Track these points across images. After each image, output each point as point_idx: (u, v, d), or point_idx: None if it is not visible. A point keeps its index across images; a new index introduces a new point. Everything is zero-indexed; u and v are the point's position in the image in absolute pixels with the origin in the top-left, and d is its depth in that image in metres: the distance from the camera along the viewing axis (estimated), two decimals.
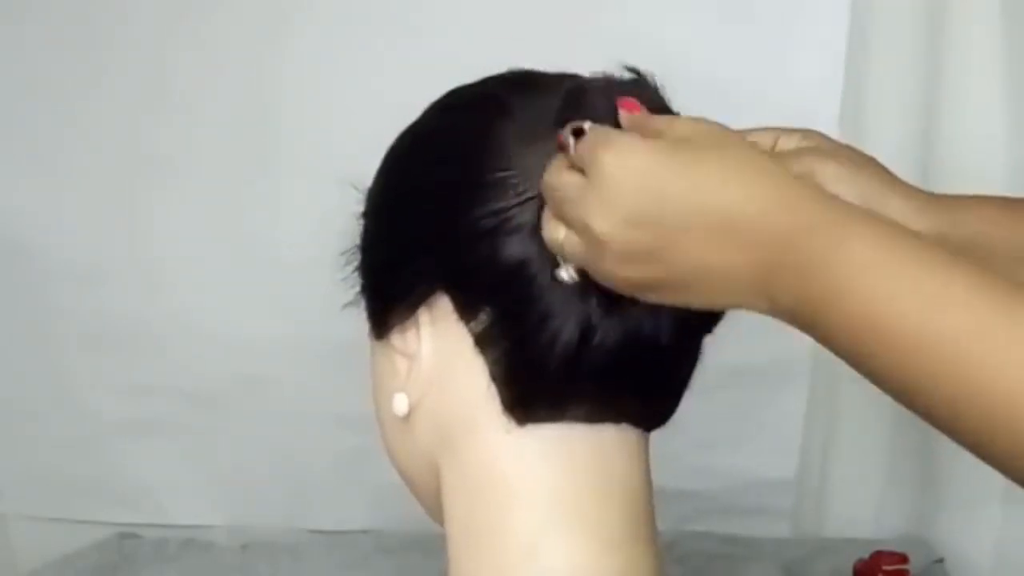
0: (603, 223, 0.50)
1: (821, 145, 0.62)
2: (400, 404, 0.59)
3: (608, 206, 0.49)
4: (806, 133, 0.63)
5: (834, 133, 0.68)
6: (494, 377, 0.56)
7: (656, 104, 0.56)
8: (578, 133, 0.52)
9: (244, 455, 1.34)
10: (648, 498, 0.59)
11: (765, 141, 0.62)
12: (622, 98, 0.53)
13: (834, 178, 0.59)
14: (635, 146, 0.50)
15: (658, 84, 0.57)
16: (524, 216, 0.54)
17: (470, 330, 0.56)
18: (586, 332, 0.54)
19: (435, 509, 0.61)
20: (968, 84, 1.15)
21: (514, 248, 0.54)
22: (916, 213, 0.61)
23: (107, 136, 1.27)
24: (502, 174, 0.55)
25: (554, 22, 1.14)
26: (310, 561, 1.28)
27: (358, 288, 0.62)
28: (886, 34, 1.16)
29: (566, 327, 0.54)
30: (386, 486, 1.31)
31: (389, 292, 0.60)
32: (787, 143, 0.62)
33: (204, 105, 1.25)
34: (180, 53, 1.24)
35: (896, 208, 0.60)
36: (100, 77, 1.26)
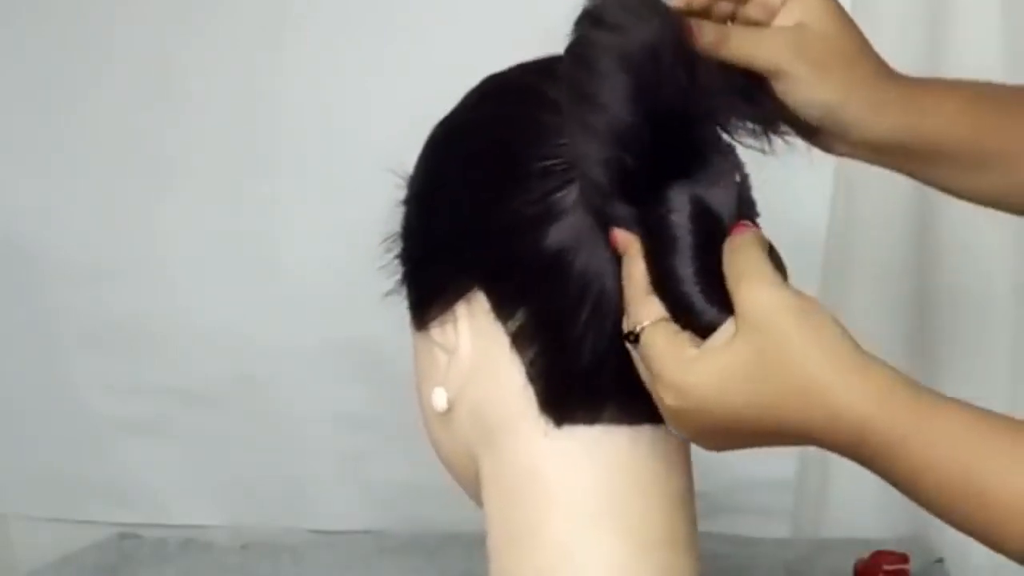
0: (677, 416, 0.52)
1: (804, 21, 0.59)
2: (439, 399, 0.59)
3: (682, 415, 0.51)
4: None
5: None
6: (530, 377, 0.56)
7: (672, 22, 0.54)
8: (632, 337, 0.52)
9: (244, 455, 1.34)
10: (689, 500, 0.59)
11: None
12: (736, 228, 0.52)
13: (802, 84, 0.59)
14: (698, 379, 0.50)
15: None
16: (556, 210, 0.54)
17: (506, 329, 0.56)
18: (619, 331, 0.54)
19: (478, 497, 0.61)
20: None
21: (547, 244, 0.54)
22: (874, 114, 0.61)
23: (107, 136, 1.27)
24: (536, 167, 0.54)
25: (553, 25, 1.14)
26: (310, 561, 1.28)
27: (398, 277, 0.61)
28: (886, 34, 1.16)
29: (601, 325, 0.54)
30: (386, 486, 1.33)
31: (427, 285, 0.59)
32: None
33: (204, 105, 1.25)
34: (180, 53, 1.24)
35: (854, 112, 0.60)
36: (100, 77, 1.26)
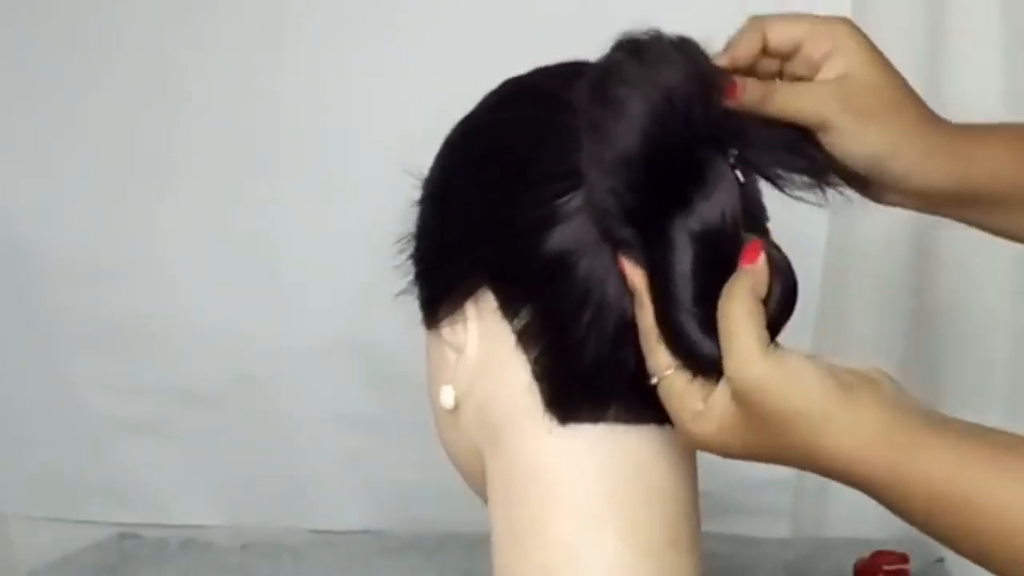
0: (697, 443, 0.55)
1: (848, 73, 0.60)
2: (447, 397, 0.59)
3: (700, 448, 0.55)
4: (836, 42, 0.60)
5: None
6: (535, 375, 0.56)
7: (706, 68, 0.55)
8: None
9: (244, 455, 1.34)
10: (692, 502, 0.59)
11: (791, 37, 0.60)
12: (747, 250, 0.53)
13: (849, 135, 0.59)
14: (706, 436, 0.53)
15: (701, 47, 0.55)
16: (564, 211, 0.54)
17: (512, 328, 0.56)
18: (622, 333, 0.55)
19: (484, 495, 0.61)
20: (968, 81, 1.15)
21: (554, 244, 0.54)
22: (924, 163, 0.61)
23: (107, 136, 1.26)
24: (546, 170, 0.55)
25: (554, 24, 1.14)
26: (310, 561, 1.28)
27: (411, 276, 0.62)
28: (886, 33, 1.16)
29: (604, 325, 0.55)
30: (386, 486, 1.34)
31: (437, 284, 0.60)
32: (816, 49, 0.60)
33: (204, 105, 1.25)
34: (180, 53, 1.24)
35: (903, 162, 0.60)
36: (100, 77, 1.26)
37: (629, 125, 0.52)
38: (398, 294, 0.62)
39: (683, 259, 0.53)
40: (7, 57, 1.27)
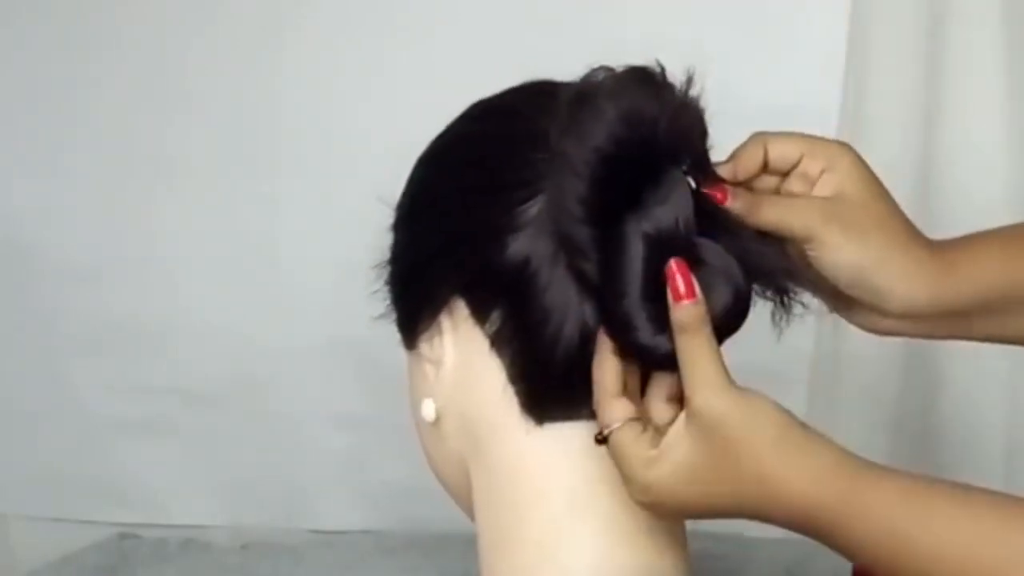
0: (648, 509, 0.55)
1: (841, 191, 0.60)
2: (428, 409, 0.61)
3: (652, 509, 0.55)
4: (831, 161, 0.61)
5: (832, 135, 0.67)
6: (510, 378, 0.58)
7: (676, 100, 0.55)
8: (602, 438, 0.55)
9: (244, 455, 1.34)
10: None
11: (790, 154, 0.61)
12: (673, 273, 0.53)
13: (834, 247, 0.59)
14: (656, 479, 0.53)
15: (668, 77, 0.56)
16: (526, 218, 0.56)
17: (485, 332, 0.58)
18: (587, 333, 0.56)
19: (471, 511, 0.62)
20: (968, 85, 1.15)
21: (516, 249, 0.56)
22: (911, 279, 0.61)
23: (107, 136, 1.27)
24: (508, 178, 0.56)
25: (553, 24, 1.14)
26: (310, 561, 1.29)
27: (388, 301, 0.64)
28: (886, 34, 1.16)
29: (568, 327, 0.56)
30: (386, 486, 1.34)
31: (412, 300, 0.61)
32: (812, 166, 0.61)
33: (204, 105, 1.25)
34: (180, 53, 1.24)
35: (889, 277, 0.60)
36: (100, 77, 1.26)
37: (602, 125, 0.53)
38: (377, 318, 0.63)
39: (635, 257, 0.54)
40: (7, 57, 1.27)
